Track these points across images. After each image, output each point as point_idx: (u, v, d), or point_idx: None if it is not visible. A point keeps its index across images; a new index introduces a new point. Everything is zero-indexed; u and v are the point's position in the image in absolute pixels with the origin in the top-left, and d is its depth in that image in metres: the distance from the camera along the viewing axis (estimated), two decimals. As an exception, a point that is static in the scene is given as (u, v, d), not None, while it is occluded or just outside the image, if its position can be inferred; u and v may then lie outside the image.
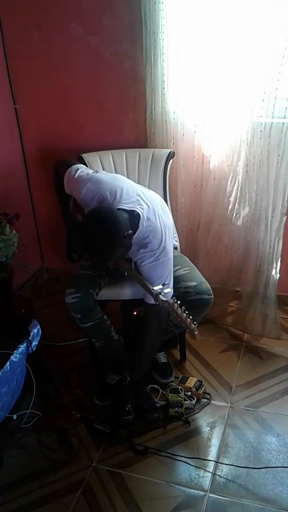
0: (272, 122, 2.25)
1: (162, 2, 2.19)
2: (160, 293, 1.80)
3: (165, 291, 1.82)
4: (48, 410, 2.18)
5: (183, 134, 2.45)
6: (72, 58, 2.57)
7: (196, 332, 1.87)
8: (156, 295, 1.80)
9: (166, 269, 1.93)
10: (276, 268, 2.54)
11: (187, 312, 1.83)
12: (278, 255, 2.50)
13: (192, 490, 1.82)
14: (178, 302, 1.81)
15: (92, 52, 2.51)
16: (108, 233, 1.68)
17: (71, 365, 2.48)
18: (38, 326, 2.25)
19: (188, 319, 1.83)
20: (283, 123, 2.23)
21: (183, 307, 1.82)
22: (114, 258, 1.83)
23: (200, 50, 2.25)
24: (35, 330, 2.21)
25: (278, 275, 2.55)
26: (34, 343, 2.19)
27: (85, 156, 2.41)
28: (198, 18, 2.19)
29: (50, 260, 3.29)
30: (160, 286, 1.82)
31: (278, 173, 2.33)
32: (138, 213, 1.82)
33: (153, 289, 1.81)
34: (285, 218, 2.43)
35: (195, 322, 1.86)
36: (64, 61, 2.60)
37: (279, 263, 2.52)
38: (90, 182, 1.88)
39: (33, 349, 2.16)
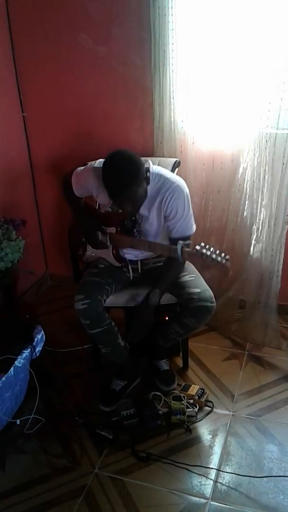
0: (276, 133, 2.28)
1: (172, 14, 2.22)
2: (184, 247, 1.86)
3: (187, 242, 1.93)
4: (51, 416, 2.19)
5: (193, 143, 2.48)
6: (80, 68, 2.61)
7: (228, 265, 1.77)
8: (182, 252, 1.85)
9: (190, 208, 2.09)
10: (278, 277, 2.55)
11: (212, 249, 1.79)
12: (280, 264, 2.52)
13: (194, 498, 1.83)
14: (202, 244, 1.80)
15: (101, 62, 2.55)
16: (130, 165, 1.86)
17: (74, 371, 2.50)
18: (42, 332, 2.26)
19: (219, 257, 1.77)
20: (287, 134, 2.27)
21: (211, 248, 1.79)
22: (136, 196, 1.94)
23: (208, 62, 2.29)
24: (39, 336, 2.23)
25: (279, 285, 2.57)
26: (38, 348, 2.20)
27: (91, 164, 2.43)
28: (207, 30, 2.24)
29: (54, 267, 3.31)
30: (181, 242, 1.87)
31: (282, 182, 2.36)
32: (147, 167, 2.00)
33: (176, 247, 1.86)
34: (287, 227, 2.45)
35: (227, 257, 1.77)
36: (73, 71, 2.63)
37: (280, 272, 2.54)
38: (95, 163, 2.09)
39: (37, 355, 2.18)
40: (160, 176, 2.05)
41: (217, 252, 1.78)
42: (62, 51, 2.60)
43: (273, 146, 2.31)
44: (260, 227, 2.53)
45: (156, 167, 2.10)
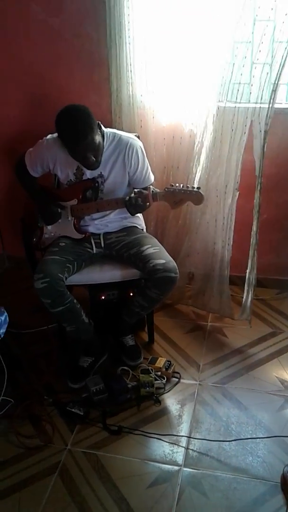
0: (225, 106, 2.29)
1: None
2: (152, 191, 2.09)
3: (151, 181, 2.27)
4: (20, 396, 2.17)
5: (153, 117, 2.47)
6: (32, 41, 2.53)
7: (201, 191, 2.04)
8: (153, 196, 2.06)
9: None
10: (229, 246, 2.54)
11: (181, 185, 2.05)
12: (231, 232, 2.50)
13: (166, 466, 1.88)
14: (171, 184, 2.07)
15: (53, 35, 2.48)
16: (84, 114, 1.99)
17: (40, 351, 2.48)
18: (6, 314, 2.21)
19: (190, 187, 2.05)
20: (235, 107, 2.27)
21: (180, 185, 2.05)
22: (93, 145, 2.02)
23: (166, 34, 2.27)
24: (2, 317, 2.18)
25: (230, 253, 2.56)
26: (2, 330, 2.15)
27: (47, 140, 2.38)
28: (164, 1, 2.20)
29: (11, 248, 3.23)
30: (151, 187, 2.18)
31: (231, 149, 2.34)
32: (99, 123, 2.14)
33: (148, 190, 2.09)
34: (237, 193, 2.43)
35: (198, 186, 2.07)
36: (24, 43, 2.54)
37: (231, 241, 2.52)
38: (46, 137, 2.22)
39: (1, 336, 2.14)
40: (114, 134, 2.19)
41: (187, 185, 2.06)
42: (13, 23, 2.50)
43: (222, 115, 2.31)
44: (211, 196, 2.50)
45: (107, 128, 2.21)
